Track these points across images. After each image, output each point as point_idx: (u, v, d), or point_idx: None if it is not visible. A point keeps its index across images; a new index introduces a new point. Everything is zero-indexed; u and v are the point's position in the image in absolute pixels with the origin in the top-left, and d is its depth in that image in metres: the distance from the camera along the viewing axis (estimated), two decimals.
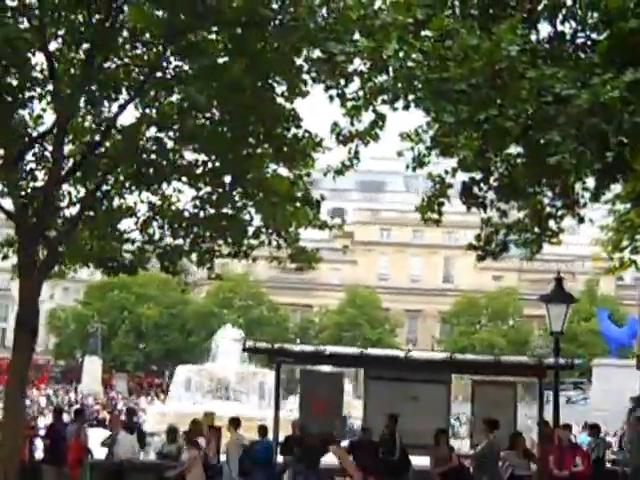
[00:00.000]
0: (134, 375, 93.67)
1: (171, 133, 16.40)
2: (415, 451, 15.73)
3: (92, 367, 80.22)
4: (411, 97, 13.69)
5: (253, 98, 14.30)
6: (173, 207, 18.23)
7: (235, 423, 17.65)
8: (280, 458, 16.08)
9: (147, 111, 16.17)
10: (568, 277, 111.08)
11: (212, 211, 17.45)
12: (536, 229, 16.48)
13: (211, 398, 39.51)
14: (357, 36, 13.45)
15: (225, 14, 12.75)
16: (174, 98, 15.93)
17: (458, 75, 11.75)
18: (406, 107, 14.43)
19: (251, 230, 17.50)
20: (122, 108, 15.67)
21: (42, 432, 24.24)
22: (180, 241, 18.57)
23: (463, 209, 14.99)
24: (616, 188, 16.44)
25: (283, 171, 16.22)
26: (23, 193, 16.01)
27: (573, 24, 13.49)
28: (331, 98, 14.32)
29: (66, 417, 25.00)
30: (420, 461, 15.66)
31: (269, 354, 15.88)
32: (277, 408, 16.34)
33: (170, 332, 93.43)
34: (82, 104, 16.07)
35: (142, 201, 18.19)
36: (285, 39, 12.81)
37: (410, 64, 12.25)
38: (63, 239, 16.82)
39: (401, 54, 12.37)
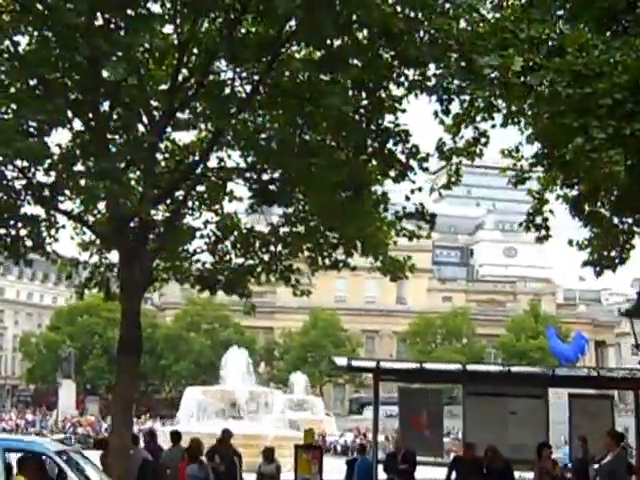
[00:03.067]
0: (105, 398, 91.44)
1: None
2: (517, 465, 14.94)
3: (67, 391, 78.26)
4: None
5: (362, 112, 13.49)
6: (243, 226, 17.27)
7: (136, 440, 16.68)
8: (382, 475, 15.15)
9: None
10: (509, 298, 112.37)
11: (298, 228, 16.47)
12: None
13: (222, 418, 38.34)
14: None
15: (365, 26, 11.94)
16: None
17: (601, 90, 11.12)
18: (504, 124, 13.79)
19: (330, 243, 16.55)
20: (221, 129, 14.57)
21: None
22: (251, 261, 17.59)
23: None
24: None
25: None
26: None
27: None
28: (436, 114, 13.57)
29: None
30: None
31: (371, 372, 14.96)
32: (376, 423, 15.39)
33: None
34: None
35: (208, 221, 17.23)
36: (423, 51, 11.99)
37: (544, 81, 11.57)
38: (153, 259, 15.82)
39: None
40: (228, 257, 17.44)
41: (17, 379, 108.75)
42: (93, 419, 72.46)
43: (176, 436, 15.92)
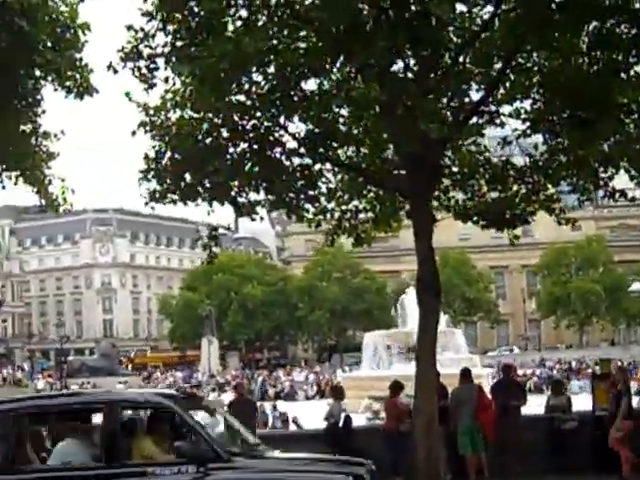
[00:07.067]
0: (245, 352, 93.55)
1: None
2: None
3: (211, 347, 79.87)
4: None
5: None
6: (494, 159, 16.79)
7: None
8: None
9: None
10: None
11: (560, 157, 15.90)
12: None
13: (406, 361, 38.14)
14: None
15: None
16: None
17: None
18: None
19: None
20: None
21: None
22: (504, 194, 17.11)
23: None
24: None
25: None
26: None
27: None
28: None
29: None
30: None
31: None
32: None
33: (275, 308, 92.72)
34: None
35: (450, 158, 16.76)
36: None
37: None
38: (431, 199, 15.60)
39: None
40: (482, 192, 17.07)
41: (154, 340, 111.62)
42: (236, 373, 73.59)
43: (467, 373, 15.79)
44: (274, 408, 28.35)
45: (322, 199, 16.89)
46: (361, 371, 41.36)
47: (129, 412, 10.18)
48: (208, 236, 16.17)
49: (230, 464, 8.93)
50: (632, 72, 13.66)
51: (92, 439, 9.69)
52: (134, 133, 14.85)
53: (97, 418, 10.01)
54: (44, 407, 10.08)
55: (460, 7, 13.74)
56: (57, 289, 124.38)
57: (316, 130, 14.85)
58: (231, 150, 14.89)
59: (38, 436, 10.12)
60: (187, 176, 15.06)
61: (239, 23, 13.70)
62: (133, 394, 11.88)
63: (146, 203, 15.51)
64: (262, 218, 16.82)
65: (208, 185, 14.88)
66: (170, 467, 8.88)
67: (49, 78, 16.41)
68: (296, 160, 15.42)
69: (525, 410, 16.14)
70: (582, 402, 16.30)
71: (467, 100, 14.50)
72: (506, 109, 15.57)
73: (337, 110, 14.89)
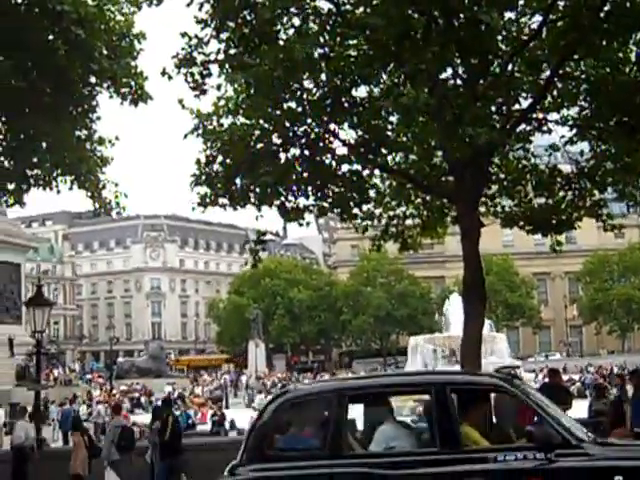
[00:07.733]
0: (292, 355, 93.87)
1: None
2: None
3: (258, 350, 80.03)
4: None
5: None
6: (542, 165, 16.64)
7: (117, 409, 17.87)
8: None
9: None
10: None
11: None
12: None
13: (447, 364, 38.09)
14: None
15: None
16: None
17: None
18: None
19: None
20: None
21: None
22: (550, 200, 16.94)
23: None
24: None
25: None
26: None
27: None
28: None
29: None
30: None
31: None
32: None
33: (321, 312, 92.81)
34: None
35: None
36: None
37: None
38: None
39: None
40: (528, 198, 16.95)
41: (201, 343, 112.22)
42: (282, 375, 74.01)
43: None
44: None
45: (370, 204, 16.93)
46: None
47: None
48: (255, 241, 16.21)
49: (580, 450, 7.83)
50: None
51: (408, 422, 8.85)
52: (186, 137, 14.95)
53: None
54: (366, 387, 9.08)
55: (509, 15, 13.70)
56: (108, 292, 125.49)
57: (366, 136, 14.83)
58: (282, 156, 14.92)
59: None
60: (238, 181, 15.09)
61: (291, 31, 13.78)
62: (465, 376, 10.36)
63: (193, 208, 15.60)
64: (308, 223, 16.80)
65: (258, 190, 14.89)
66: (514, 453, 7.83)
67: (104, 85, 16.58)
68: (346, 166, 15.41)
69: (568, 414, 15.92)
70: None
71: (515, 107, 14.43)
72: (553, 116, 15.53)
73: (386, 116, 14.90)
